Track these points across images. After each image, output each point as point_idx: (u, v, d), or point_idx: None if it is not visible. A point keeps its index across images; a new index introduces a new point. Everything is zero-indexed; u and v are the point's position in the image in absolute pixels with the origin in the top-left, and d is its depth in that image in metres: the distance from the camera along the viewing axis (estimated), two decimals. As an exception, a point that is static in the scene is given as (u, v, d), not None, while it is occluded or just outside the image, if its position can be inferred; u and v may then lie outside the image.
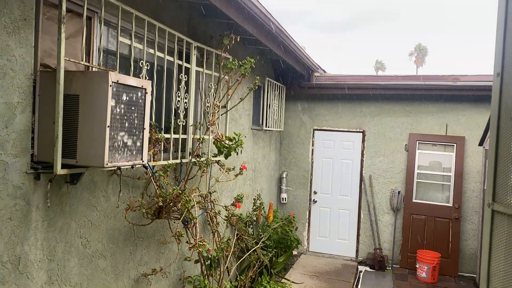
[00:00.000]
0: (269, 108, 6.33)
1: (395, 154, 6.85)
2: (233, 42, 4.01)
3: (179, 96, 3.55)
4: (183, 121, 3.64)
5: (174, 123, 3.55)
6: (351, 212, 7.15)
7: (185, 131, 3.80)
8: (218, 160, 4.18)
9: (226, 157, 3.59)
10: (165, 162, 3.34)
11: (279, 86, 6.73)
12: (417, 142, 6.70)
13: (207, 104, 4.03)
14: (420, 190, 6.69)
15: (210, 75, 4.13)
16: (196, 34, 4.00)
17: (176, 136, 3.62)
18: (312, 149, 7.33)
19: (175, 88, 3.53)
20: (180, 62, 3.61)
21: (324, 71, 7.34)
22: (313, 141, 7.33)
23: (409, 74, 7.06)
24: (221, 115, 4.32)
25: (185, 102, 3.65)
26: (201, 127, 3.98)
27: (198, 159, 3.80)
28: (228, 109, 4.36)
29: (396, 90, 6.64)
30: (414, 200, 6.66)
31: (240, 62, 4.11)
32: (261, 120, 6.32)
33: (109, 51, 3.01)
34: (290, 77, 6.87)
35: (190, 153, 3.81)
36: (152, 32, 3.20)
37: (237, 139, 3.50)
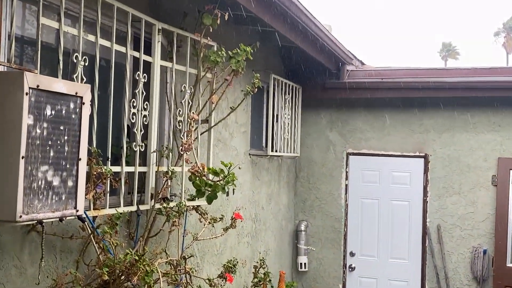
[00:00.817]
0: (277, 121, 6.33)
1: (477, 191, 6.83)
2: (218, 21, 4.04)
3: (134, 107, 3.55)
4: (142, 145, 3.63)
5: (127, 148, 3.53)
6: (409, 285, 7.06)
7: (144, 161, 3.78)
8: (197, 206, 4.16)
9: (209, 201, 3.59)
10: (113, 211, 3.32)
11: (292, 87, 6.76)
12: None
13: (179, 118, 4.04)
14: (519, 248, 6.63)
15: (183, 72, 4.14)
16: (161, 11, 4.03)
17: (130, 169, 3.59)
18: (346, 185, 7.30)
19: (129, 95, 3.52)
20: (137, 54, 3.63)
21: (362, 63, 7.39)
22: (347, 172, 7.31)
23: (496, 66, 7.09)
24: (201, 134, 4.32)
25: (145, 116, 3.65)
26: (170, 153, 3.98)
27: (165, 204, 3.78)
28: (213, 124, 4.36)
29: (475, 91, 6.66)
30: (509, 264, 6.59)
31: (230, 52, 4.13)
32: (264, 141, 6.28)
33: (25, 40, 3.04)
34: (308, 73, 6.91)
35: (152, 195, 3.79)
36: (93, 8, 3.22)
37: (226, 173, 3.49)
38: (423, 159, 7.04)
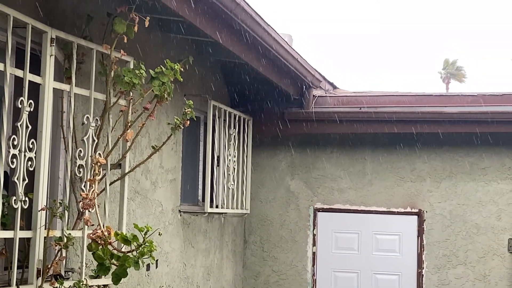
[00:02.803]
0: (219, 165, 6.33)
1: (489, 260, 6.91)
2: (136, 28, 4.04)
3: (15, 147, 3.50)
4: (25, 201, 3.58)
5: (4, 205, 3.49)
6: None
7: (29, 223, 3.73)
8: (104, 286, 4.12)
9: (116, 281, 3.56)
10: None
11: (239, 118, 6.80)
12: (534, 233, 6.81)
13: (79, 162, 4.00)
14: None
15: (86, 98, 4.14)
16: (56, 13, 4.01)
17: (8, 233, 3.54)
18: (314, 253, 7.31)
19: (7, 129, 3.49)
20: (20, 73, 3.60)
21: (334, 87, 7.48)
22: (314, 236, 7.32)
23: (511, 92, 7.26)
24: (111, 184, 4.30)
25: (30, 159, 3.61)
26: (66, 212, 3.92)
27: (57, 284, 3.72)
28: (127, 170, 4.35)
29: (485, 126, 6.79)
30: None
31: (152, 71, 4.13)
32: (201, 193, 6.27)
33: None
34: (261, 99, 6.98)
35: (39, 271, 3.70)
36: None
37: (143, 240, 3.45)
38: (416, 216, 7.10)
